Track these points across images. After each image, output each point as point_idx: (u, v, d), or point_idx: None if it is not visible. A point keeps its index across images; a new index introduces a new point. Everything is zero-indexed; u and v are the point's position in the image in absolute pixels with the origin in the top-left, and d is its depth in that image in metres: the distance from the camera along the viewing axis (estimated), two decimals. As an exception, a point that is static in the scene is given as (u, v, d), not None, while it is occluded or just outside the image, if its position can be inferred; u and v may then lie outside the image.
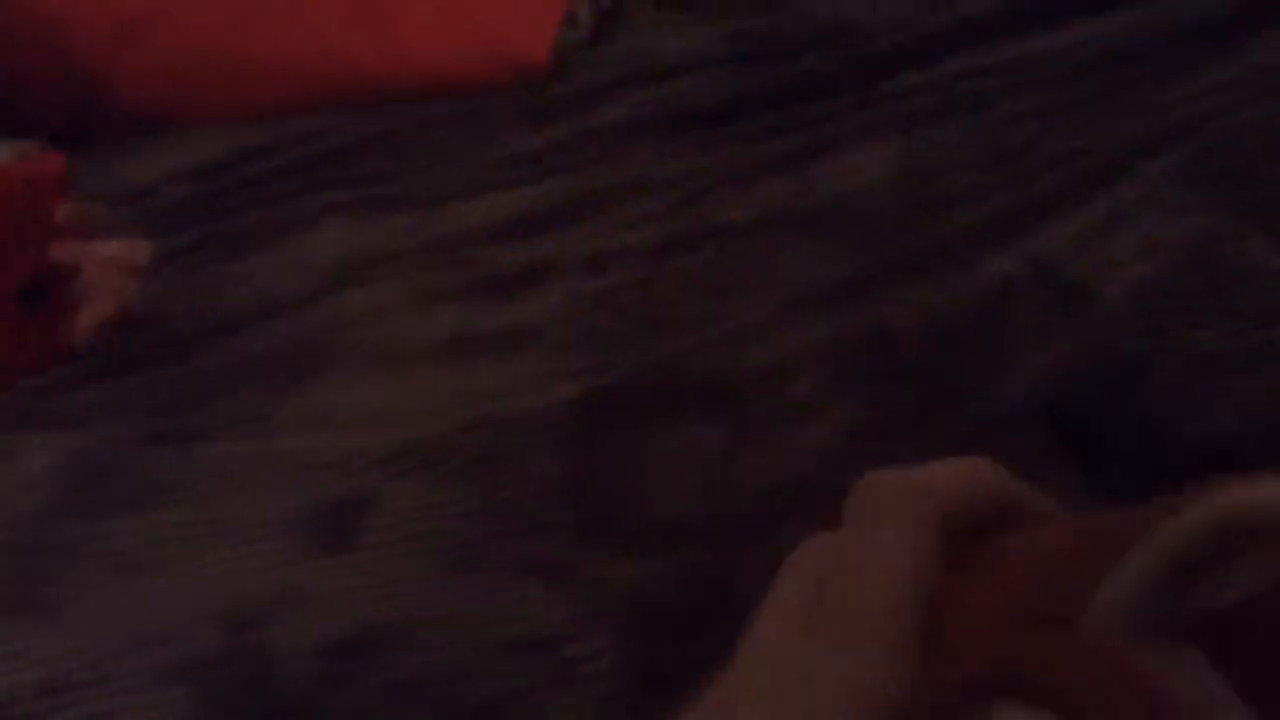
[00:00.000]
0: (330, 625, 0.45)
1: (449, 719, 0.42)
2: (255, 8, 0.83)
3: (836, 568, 0.25)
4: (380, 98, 0.80)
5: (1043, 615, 0.25)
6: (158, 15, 0.82)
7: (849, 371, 0.55)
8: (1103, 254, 0.54)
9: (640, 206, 0.68)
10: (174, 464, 0.55)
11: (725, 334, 0.59)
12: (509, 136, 0.74)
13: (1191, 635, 0.24)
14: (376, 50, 0.81)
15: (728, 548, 0.46)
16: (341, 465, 0.52)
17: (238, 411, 0.59)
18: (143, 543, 0.51)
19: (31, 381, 0.61)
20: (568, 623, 0.42)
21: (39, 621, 0.47)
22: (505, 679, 0.43)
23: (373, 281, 0.66)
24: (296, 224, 0.72)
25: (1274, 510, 0.24)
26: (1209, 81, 0.64)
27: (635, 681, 0.41)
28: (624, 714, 0.40)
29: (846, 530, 0.26)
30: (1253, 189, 0.54)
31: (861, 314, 0.57)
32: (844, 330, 0.57)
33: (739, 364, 0.56)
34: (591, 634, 0.42)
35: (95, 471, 0.56)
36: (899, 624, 0.25)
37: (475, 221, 0.67)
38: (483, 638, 0.44)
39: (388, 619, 0.45)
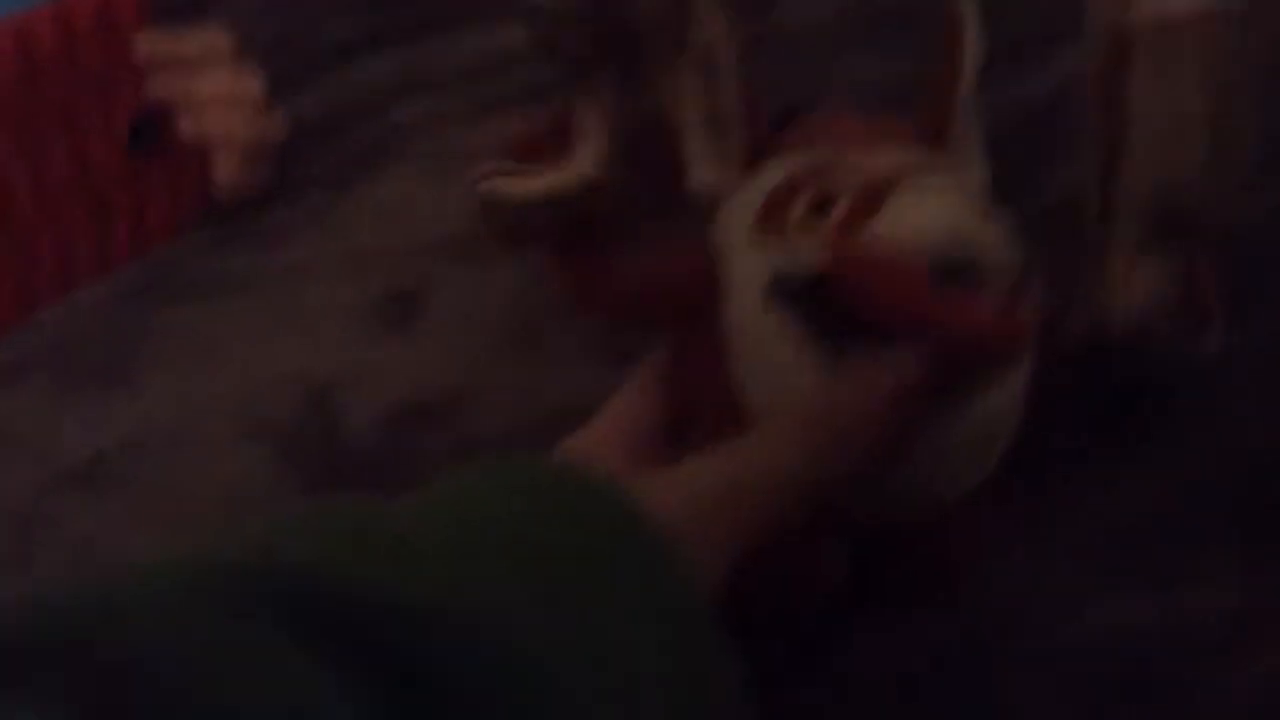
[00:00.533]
0: (393, 394, 0.48)
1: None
2: None
3: None
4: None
5: None
6: None
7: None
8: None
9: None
10: (241, 263, 0.57)
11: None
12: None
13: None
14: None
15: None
16: (401, 255, 0.54)
17: (305, 216, 0.61)
18: (214, 327, 0.53)
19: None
20: (609, 392, 0.44)
21: (120, 390, 0.50)
22: (552, 441, 0.45)
23: (431, 93, 0.67)
24: (355, 44, 0.73)
25: None
26: None
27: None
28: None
29: None
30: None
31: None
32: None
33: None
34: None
35: (165, 273, 0.58)
36: None
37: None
38: (535, 406, 0.46)
39: (445, 388, 0.48)
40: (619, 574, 0.29)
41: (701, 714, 0.29)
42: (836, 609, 0.37)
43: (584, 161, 0.33)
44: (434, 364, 0.49)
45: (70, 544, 0.45)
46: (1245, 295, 0.38)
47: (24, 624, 0.23)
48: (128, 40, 0.57)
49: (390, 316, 0.51)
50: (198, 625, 0.24)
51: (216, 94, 0.59)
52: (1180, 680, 0.35)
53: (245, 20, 0.74)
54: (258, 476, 0.46)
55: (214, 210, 0.61)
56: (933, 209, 0.32)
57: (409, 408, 0.47)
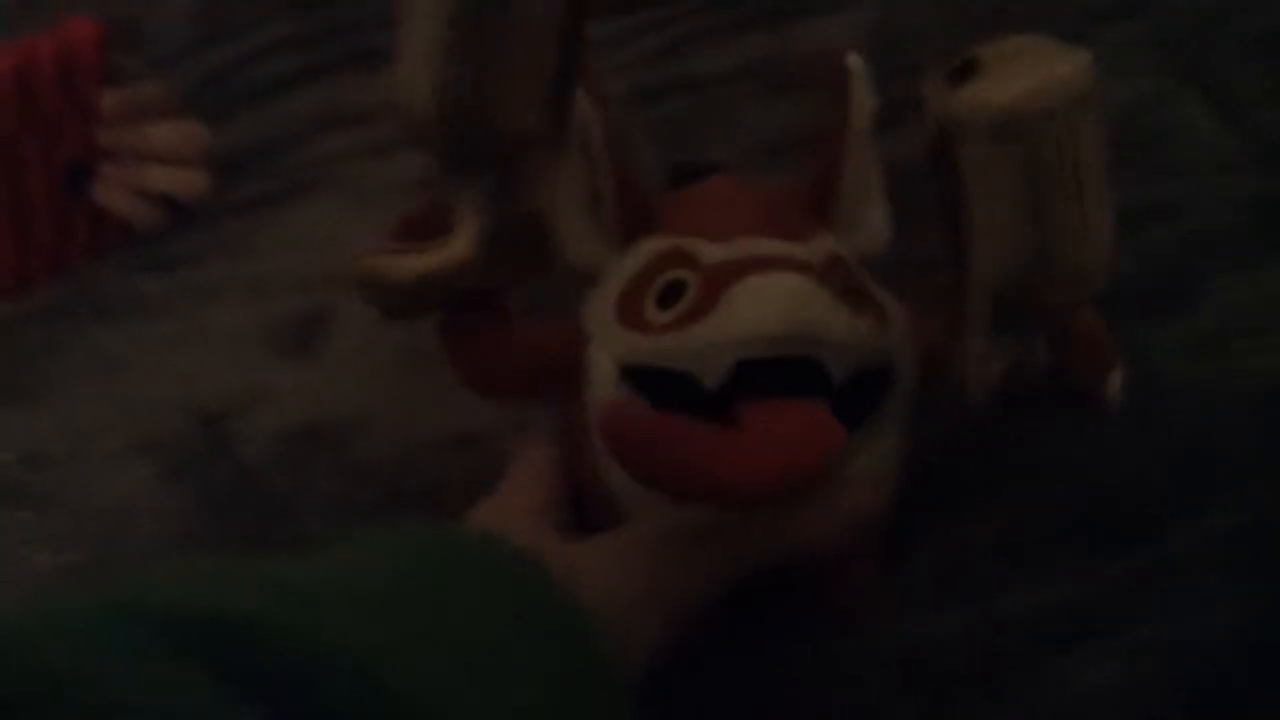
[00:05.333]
0: (290, 416, 0.49)
1: (394, 499, 0.46)
2: None
3: None
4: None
5: None
6: None
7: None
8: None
9: (614, 59, 0.70)
10: (155, 285, 0.58)
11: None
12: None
13: None
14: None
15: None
16: (308, 282, 0.55)
17: (222, 240, 0.61)
18: (121, 346, 0.54)
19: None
20: (501, 423, 0.45)
21: (21, 405, 0.51)
22: (446, 469, 0.46)
23: (352, 128, 0.68)
24: (286, 77, 0.74)
25: None
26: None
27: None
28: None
29: None
30: (1200, 56, 0.56)
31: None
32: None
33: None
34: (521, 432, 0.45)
35: (78, 292, 0.59)
36: None
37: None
38: (427, 434, 0.47)
39: (342, 413, 0.49)
40: (530, 635, 0.29)
41: None
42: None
43: (458, 247, 0.34)
44: (330, 389, 0.50)
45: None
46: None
47: None
48: (80, 89, 0.58)
49: (291, 342, 0.52)
50: (115, 659, 0.24)
51: (160, 146, 0.61)
52: (1002, 679, 0.36)
53: (177, 58, 0.76)
54: (147, 494, 0.47)
55: (132, 234, 0.62)
56: (769, 299, 0.32)
57: (302, 432, 0.48)
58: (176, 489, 0.47)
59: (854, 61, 0.38)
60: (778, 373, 0.32)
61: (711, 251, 0.35)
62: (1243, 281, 0.45)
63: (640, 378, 0.34)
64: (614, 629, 0.31)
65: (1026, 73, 0.30)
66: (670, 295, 0.34)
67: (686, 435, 0.31)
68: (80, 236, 0.61)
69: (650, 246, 0.36)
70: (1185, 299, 0.45)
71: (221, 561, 0.30)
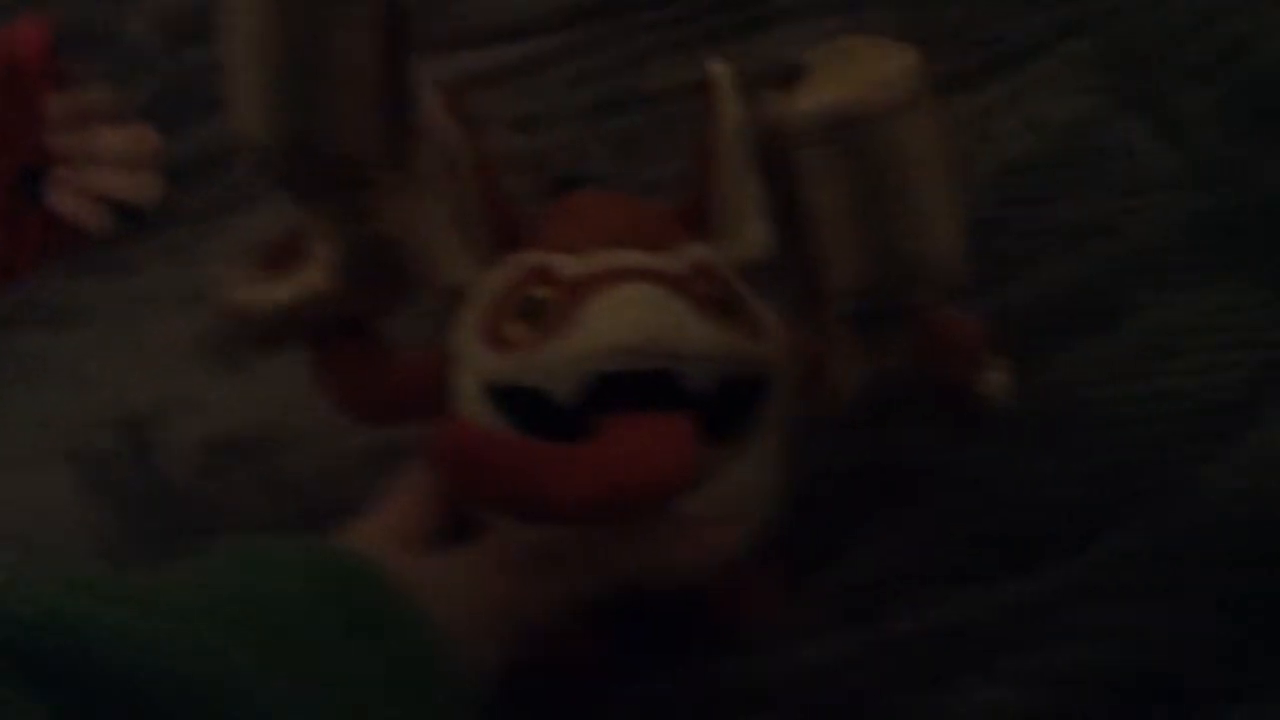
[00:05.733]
0: (214, 427, 0.49)
1: (313, 514, 0.45)
2: None
3: None
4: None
5: None
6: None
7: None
8: (990, 131, 0.55)
9: (574, 71, 0.70)
10: (92, 290, 0.58)
11: (645, 192, 0.61)
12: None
13: None
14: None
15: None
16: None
17: (166, 247, 0.61)
18: (49, 353, 0.54)
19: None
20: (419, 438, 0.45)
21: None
22: (368, 484, 0.46)
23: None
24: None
25: None
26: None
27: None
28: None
29: None
30: (1145, 77, 0.55)
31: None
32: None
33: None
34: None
35: (20, 293, 0.59)
36: None
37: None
38: (345, 448, 0.47)
39: (267, 425, 0.48)
40: (369, 643, 0.29)
41: None
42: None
43: (314, 275, 0.33)
44: (257, 401, 0.49)
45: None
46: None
47: None
48: (31, 94, 0.59)
49: (221, 352, 0.52)
50: None
51: (109, 150, 0.61)
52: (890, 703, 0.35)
53: (142, 61, 0.76)
54: (66, 504, 0.46)
55: (83, 239, 0.62)
56: (624, 312, 0.32)
57: (225, 443, 0.48)
58: (96, 499, 0.47)
59: (719, 69, 0.37)
60: (635, 387, 0.32)
61: (569, 265, 0.34)
62: (1172, 302, 0.45)
63: (502, 397, 0.34)
64: (461, 640, 0.31)
65: (853, 75, 0.30)
66: (530, 312, 0.34)
67: (517, 454, 0.31)
68: (30, 242, 0.62)
69: (513, 262, 0.36)
70: (1111, 318, 0.44)
71: (89, 569, 0.30)
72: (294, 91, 0.30)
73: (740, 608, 0.37)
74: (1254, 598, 0.35)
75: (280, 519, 0.46)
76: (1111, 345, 0.43)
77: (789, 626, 0.37)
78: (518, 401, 0.33)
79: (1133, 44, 0.57)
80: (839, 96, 0.29)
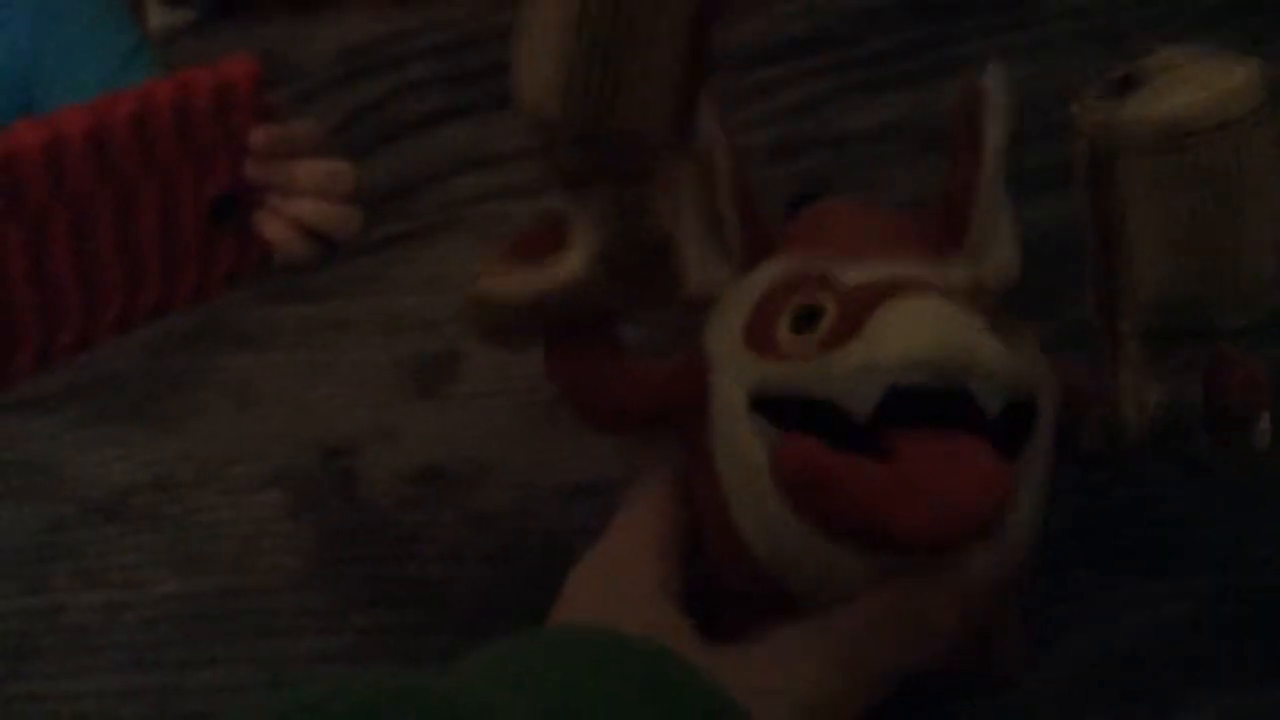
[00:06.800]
0: (415, 457, 0.49)
1: (516, 547, 0.45)
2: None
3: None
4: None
5: None
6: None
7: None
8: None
9: (759, 111, 0.69)
10: (291, 315, 0.59)
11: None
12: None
13: None
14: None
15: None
16: (440, 321, 0.55)
17: (359, 275, 0.62)
18: (254, 376, 0.55)
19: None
20: (628, 473, 0.44)
21: (154, 432, 0.52)
22: (568, 518, 0.45)
23: (492, 168, 0.69)
24: (428, 117, 0.75)
25: None
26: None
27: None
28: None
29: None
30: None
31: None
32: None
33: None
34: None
35: (217, 319, 0.60)
36: None
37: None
38: (549, 482, 0.47)
39: (466, 457, 0.48)
40: None
41: None
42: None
43: (573, 264, 0.32)
44: (456, 431, 0.49)
45: (89, 574, 0.46)
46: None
47: None
48: (234, 122, 0.60)
49: (420, 380, 0.52)
50: None
51: (309, 182, 0.62)
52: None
53: (327, 91, 0.77)
54: (272, 525, 0.47)
55: (268, 266, 0.64)
56: (921, 323, 0.30)
57: (427, 472, 0.48)
58: (300, 522, 0.47)
59: (988, 79, 0.35)
60: (926, 403, 0.30)
61: (849, 273, 0.33)
62: None
63: (774, 407, 0.32)
64: None
65: (1192, 84, 0.30)
66: (805, 320, 0.32)
67: (862, 476, 0.30)
68: (223, 266, 0.63)
69: (777, 268, 0.35)
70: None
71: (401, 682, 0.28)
72: (598, 69, 0.29)
73: (992, 652, 0.35)
74: None
75: (480, 553, 0.45)
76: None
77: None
78: (792, 413, 0.32)
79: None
80: (1179, 105, 0.29)
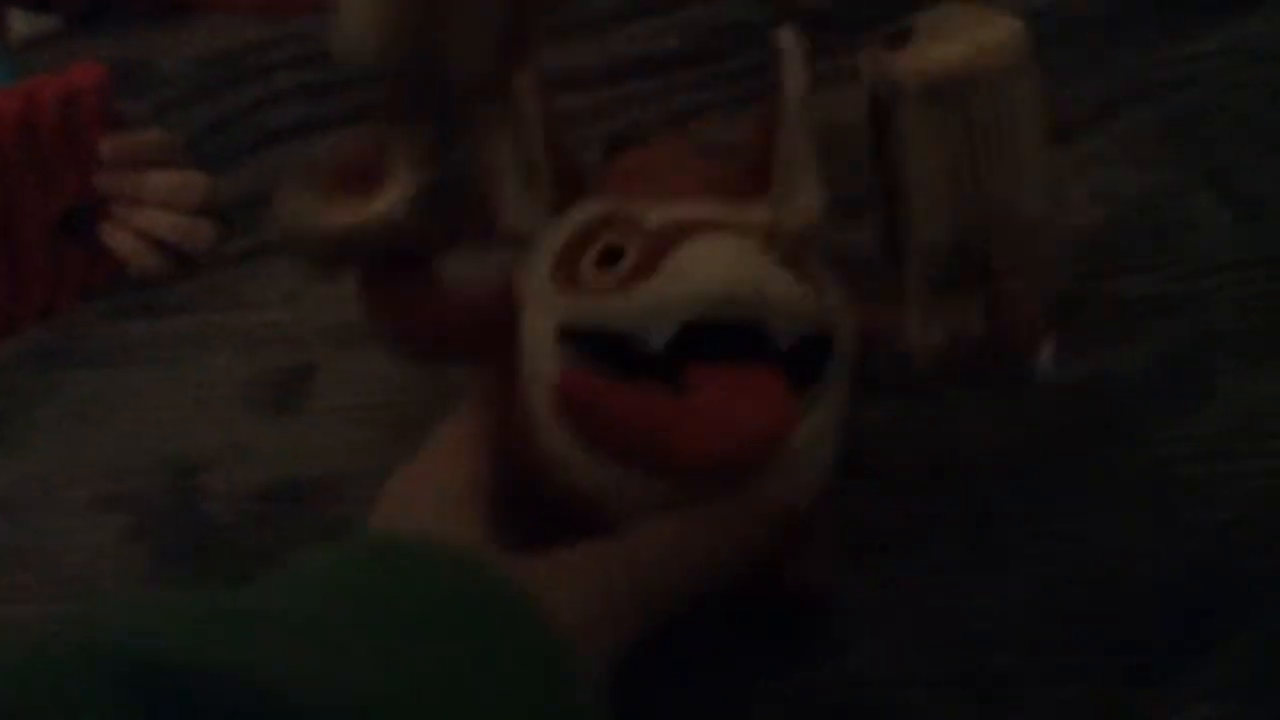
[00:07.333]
0: (265, 474, 0.48)
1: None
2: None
3: None
4: None
5: None
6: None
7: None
8: (1059, 202, 0.55)
9: (631, 122, 0.69)
10: (142, 330, 0.57)
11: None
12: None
13: None
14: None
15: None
16: (294, 336, 0.54)
17: (214, 289, 0.61)
18: (102, 394, 0.53)
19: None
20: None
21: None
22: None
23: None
24: (291, 129, 0.73)
25: None
26: (1192, 50, 0.65)
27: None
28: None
29: None
30: (1211, 153, 0.55)
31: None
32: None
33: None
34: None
35: (66, 335, 0.58)
36: None
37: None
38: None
39: (319, 474, 0.47)
40: (512, 671, 0.28)
41: None
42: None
43: (389, 200, 0.32)
44: (308, 447, 0.48)
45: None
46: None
47: None
48: (82, 132, 0.59)
49: (272, 397, 0.51)
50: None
51: (160, 193, 0.61)
52: None
53: (189, 101, 0.76)
54: (112, 550, 0.45)
55: (120, 279, 0.62)
56: (715, 261, 0.32)
57: (277, 488, 0.47)
58: (141, 545, 0.45)
59: (785, 37, 0.37)
60: (722, 337, 0.32)
61: (652, 214, 0.34)
62: (1252, 381, 0.44)
63: (579, 340, 0.33)
64: (583, 647, 0.30)
65: (960, 38, 0.32)
66: (609, 258, 0.33)
67: (643, 404, 0.31)
68: (72, 280, 0.61)
69: (587, 209, 0.36)
70: (1194, 397, 0.43)
71: (184, 598, 0.29)
72: (419, 11, 0.30)
73: (798, 575, 0.37)
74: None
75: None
76: (1200, 424, 0.42)
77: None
78: (596, 346, 0.33)
79: (1200, 121, 0.57)
80: (949, 56, 0.32)
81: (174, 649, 0.25)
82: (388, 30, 0.30)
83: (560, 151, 0.37)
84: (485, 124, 0.33)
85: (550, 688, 0.29)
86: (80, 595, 0.44)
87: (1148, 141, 0.56)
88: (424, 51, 0.31)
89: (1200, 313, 0.47)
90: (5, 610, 0.44)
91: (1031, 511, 0.40)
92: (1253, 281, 0.48)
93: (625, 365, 0.32)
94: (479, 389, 0.36)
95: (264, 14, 0.80)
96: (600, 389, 0.31)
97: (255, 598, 0.29)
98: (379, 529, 0.34)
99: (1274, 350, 0.45)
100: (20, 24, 0.69)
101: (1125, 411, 0.43)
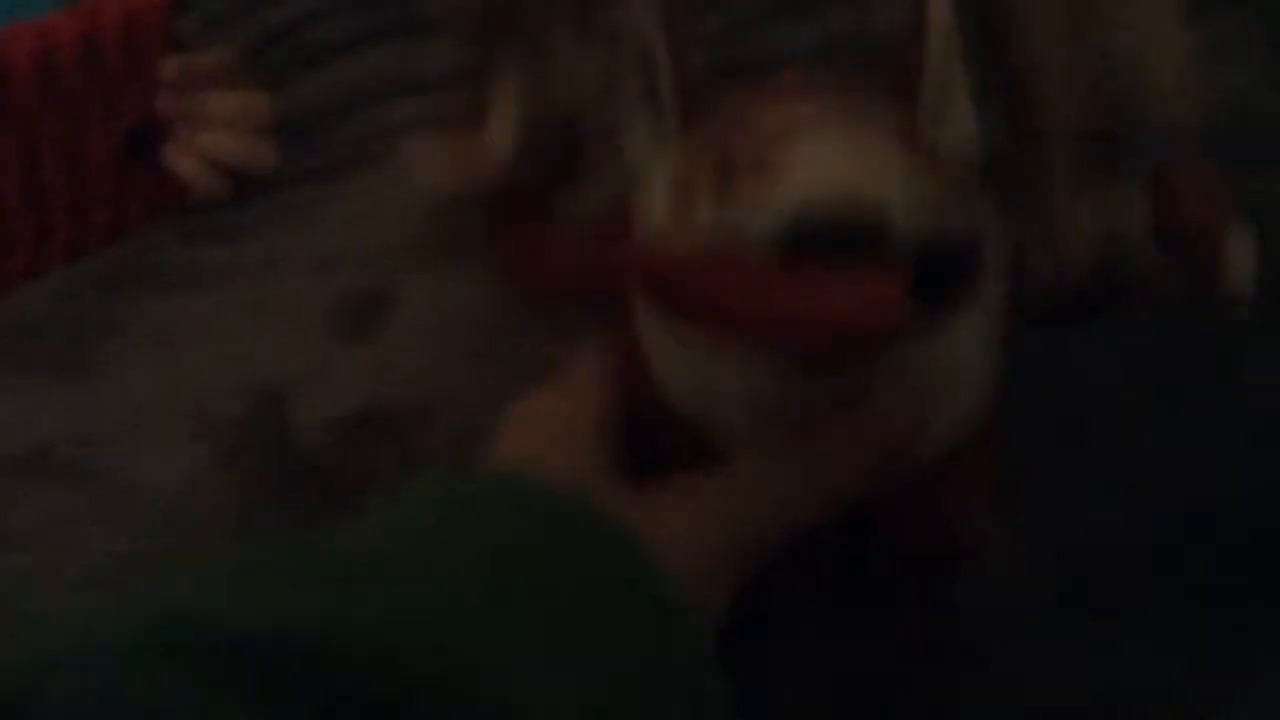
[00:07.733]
0: (348, 400, 0.47)
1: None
2: None
3: None
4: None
5: None
6: None
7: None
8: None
9: (694, 30, 0.67)
10: (212, 255, 0.57)
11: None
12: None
13: None
14: None
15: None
16: (371, 257, 0.53)
17: (281, 212, 0.60)
18: (180, 320, 0.53)
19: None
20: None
21: (77, 383, 0.50)
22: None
23: (419, 95, 0.66)
24: (342, 43, 0.71)
25: None
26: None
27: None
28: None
29: None
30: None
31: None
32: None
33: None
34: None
35: (134, 261, 0.57)
36: None
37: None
38: (493, 420, 0.45)
39: (400, 397, 0.47)
40: (629, 624, 0.28)
41: None
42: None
43: (495, 142, 0.32)
44: (391, 372, 0.48)
45: (8, 536, 0.44)
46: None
47: None
48: (144, 53, 0.58)
49: (353, 320, 0.50)
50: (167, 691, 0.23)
51: (221, 114, 0.60)
52: None
53: (234, 17, 0.74)
54: (202, 478, 0.45)
55: (190, 201, 0.61)
56: (834, 153, 0.29)
57: (362, 414, 0.46)
58: (231, 473, 0.45)
59: None
60: (840, 235, 0.29)
61: (768, 115, 0.31)
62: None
63: None
64: (694, 587, 0.29)
65: None
66: (725, 171, 0.31)
67: (731, 271, 0.29)
68: (139, 203, 0.61)
69: (707, 130, 0.33)
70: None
71: (280, 554, 0.28)
72: None
73: (939, 529, 0.35)
74: None
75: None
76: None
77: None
78: None
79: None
80: None
81: (303, 612, 0.25)
82: None
83: (684, 75, 0.33)
84: (575, 57, 0.32)
85: (667, 642, 0.28)
86: (172, 528, 0.44)
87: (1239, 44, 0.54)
88: None
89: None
90: (99, 545, 0.44)
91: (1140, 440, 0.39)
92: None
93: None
94: (603, 331, 0.35)
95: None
96: (681, 255, 0.30)
97: (365, 545, 0.29)
98: (491, 470, 0.34)
99: None
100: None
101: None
